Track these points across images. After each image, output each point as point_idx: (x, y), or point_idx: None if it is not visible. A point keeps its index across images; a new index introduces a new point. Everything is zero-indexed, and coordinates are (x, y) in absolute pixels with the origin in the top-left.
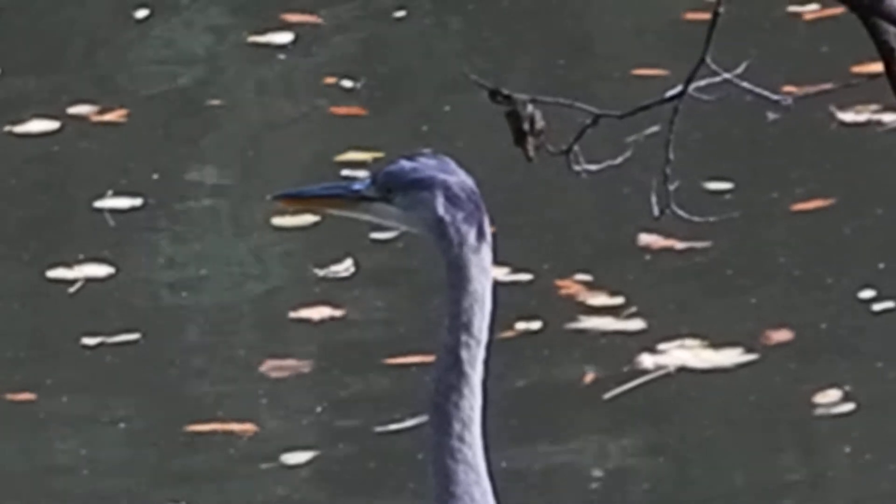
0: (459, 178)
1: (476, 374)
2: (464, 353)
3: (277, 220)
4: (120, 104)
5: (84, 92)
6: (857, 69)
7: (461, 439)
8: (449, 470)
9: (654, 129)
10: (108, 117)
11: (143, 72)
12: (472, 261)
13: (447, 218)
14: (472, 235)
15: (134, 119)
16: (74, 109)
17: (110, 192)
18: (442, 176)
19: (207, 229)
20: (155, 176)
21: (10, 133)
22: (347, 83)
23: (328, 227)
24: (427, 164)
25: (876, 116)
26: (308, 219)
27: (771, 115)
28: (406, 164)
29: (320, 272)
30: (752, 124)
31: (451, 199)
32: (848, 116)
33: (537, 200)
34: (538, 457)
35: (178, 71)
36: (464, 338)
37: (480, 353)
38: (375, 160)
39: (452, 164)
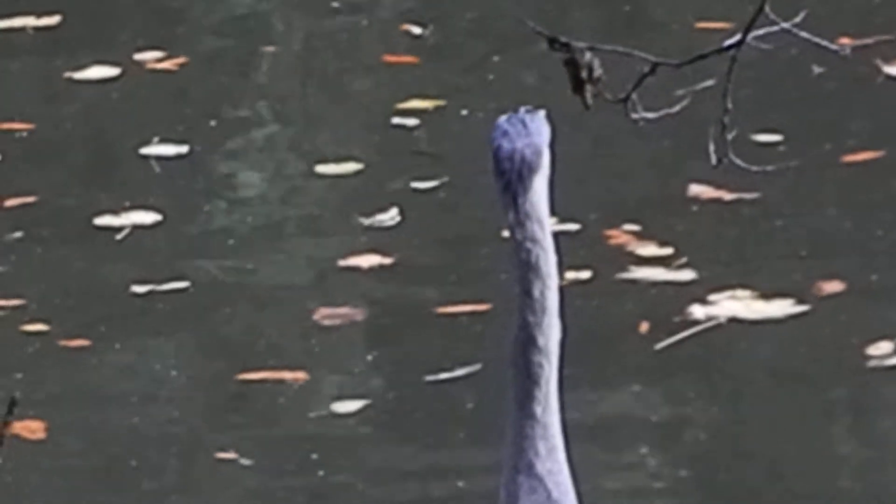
0: (500, 144)
1: (542, 336)
2: (529, 317)
3: (321, 168)
4: (179, 51)
5: (145, 39)
6: None
7: (530, 395)
8: (517, 423)
9: (710, 82)
10: (166, 65)
11: (204, 21)
12: (516, 230)
13: (496, 189)
14: (506, 204)
15: (190, 67)
16: (135, 56)
17: (156, 139)
18: (493, 144)
19: (254, 178)
20: (205, 123)
21: (70, 79)
22: (416, 30)
23: (370, 176)
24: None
25: None
26: (351, 167)
27: (817, 69)
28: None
29: (366, 221)
30: (799, 78)
31: (494, 171)
32: (894, 70)
33: (584, 150)
34: (590, 405)
35: (238, 17)
36: (526, 301)
37: (547, 317)
38: (437, 108)
39: (500, 129)
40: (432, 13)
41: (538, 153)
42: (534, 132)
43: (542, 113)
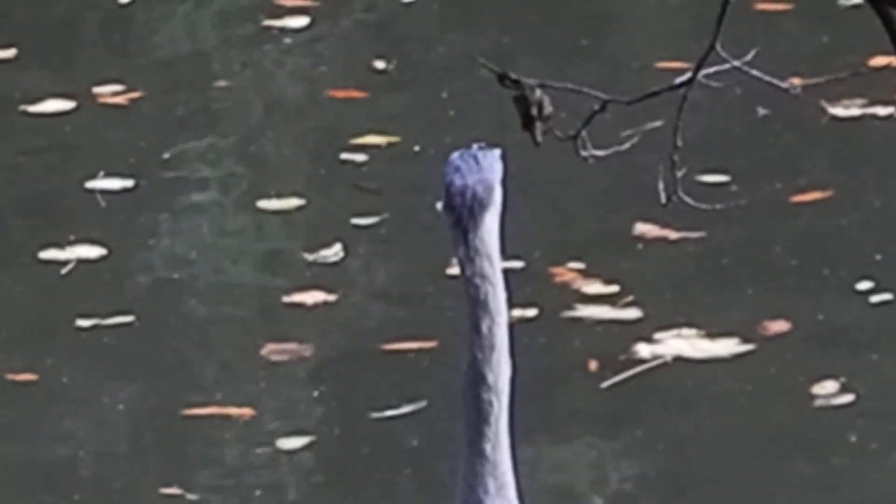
0: (451, 181)
1: (492, 373)
2: (478, 353)
3: (265, 204)
4: (135, 85)
5: (102, 72)
6: (853, 61)
7: (479, 432)
8: (466, 460)
9: (658, 123)
10: (119, 99)
11: (159, 54)
12: (465, 266)
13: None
14: (456, 241)
15: (144, 101)
16: (93, 90)
17: (102, 173)
18: (445, 180)
19: (199, 213)
20: (153, 158)
21: (25, 112)
22: (380, 64)
23: (314, 211)
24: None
25: (870, 110)
26: (294, 202)
27: (762, 110)
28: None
29: (310, 257)
30: (745, 119)
31: (445, 207)
32: (838, 110)
33: (529, 187)
34: (537, 444)
35: (193, 52)
36: (475, 340)
37: (496, 354)
38: (389, 144)
39: (452, 164)
40: (390, 49)
41: (489, 189)
42: (486, 169)
43: (495, 150)
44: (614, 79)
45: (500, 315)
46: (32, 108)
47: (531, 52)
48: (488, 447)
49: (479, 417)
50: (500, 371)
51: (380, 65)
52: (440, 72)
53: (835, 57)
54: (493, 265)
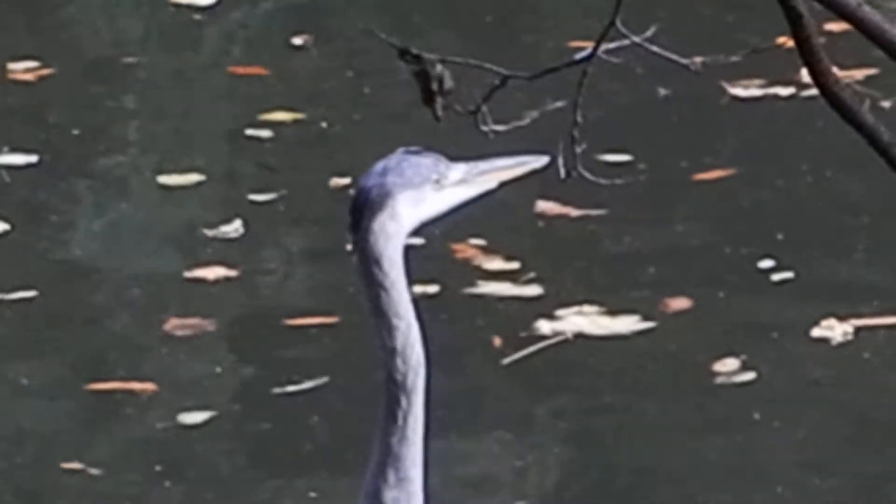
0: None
1: (402, 372)
2: (387, 354)
3: (166, 180)
4: (48, 62)
5: (18, 48)
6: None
7: (386, 427)
8: (376, 447)
9: (560, 103)
10: (30, 76)
11: (71, 32)
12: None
13: None
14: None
15: (55, 78)
16: (8, 65)
17: (6, 149)
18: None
19: (102, 189)
20: (59, 134)
21: None
22: (297, 40)
23: (214, 188)
24: None
25: (771, 90)
26: (194, 178)
27: (662, 91)
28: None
29: (210, 232)
30: (647, 99)
31: None
32: (738, 91)
33: None
34: (438, 420)
35: (104, 29)
36: (384, 341)
37: (404, 355)
38: (296, 120)
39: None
40: (308, 26)
41: (384, 195)
42: (393, 173)
43: (428, 156)
44: (527, 57)
45: (396, 318)
46: None
47: (445, 29)
48: (394, 441)
49: (387, 412)
50: (406, 370)
51: (297, 41)
52: (356, 50)
53: (738, 37)
54: (382, 269)
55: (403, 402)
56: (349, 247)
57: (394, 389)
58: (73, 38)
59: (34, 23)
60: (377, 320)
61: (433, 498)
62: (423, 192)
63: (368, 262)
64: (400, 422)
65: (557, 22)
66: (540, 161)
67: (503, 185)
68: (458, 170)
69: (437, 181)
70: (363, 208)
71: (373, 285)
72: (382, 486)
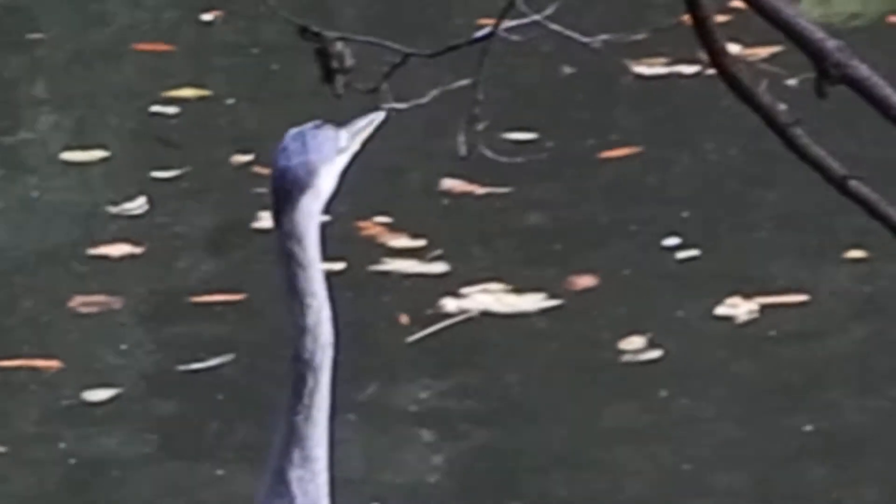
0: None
1: (310, 350)
2: (296, 331)
3: (68, 156)
4: None
5: None
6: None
7: (291, 405)
8: (280, 430)
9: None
10: None
11: None
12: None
13: None
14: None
15: None
16: None
17: None
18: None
19: (6, 164)
20: None
21: None
22: (207, 17)
23: (118, 164)
24: None
25: (675, 68)
26: (97, 154)
27: (567, 69)
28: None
29: (114, 209)
30: (551, 78)
31: None
32: (642, 69)
33: None
34: (344, 397)
35: (7, 4)
36: (293, 318)
37: (311, 334)
38: (201, 98)
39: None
40: (216, 1)
41: (311, 173)
42: (312, 150)
43: (329, 129)
44: (436, 35)
45: (313, 296)
46: None
47: (352, 7)
48: (299, 419)
49: (293, 391)
50: (314, 349)
51: (206, 17)
52: (264, 27)
53: (644, 15)
54: (305, 248)
55: (310, 380)
56: (266, 225)
57: (301, 368)
58: None
59: None
60: (291, 298)
61: (335, 476)
62: (334, 165)
63: (291, 240)
64: (306, 401)
65: (468, 0)
66: (380, 116)
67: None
68: (344, 137)
69: (340, 152)
70: (291, 188)
71: (291, 264)
72: (287, 466)
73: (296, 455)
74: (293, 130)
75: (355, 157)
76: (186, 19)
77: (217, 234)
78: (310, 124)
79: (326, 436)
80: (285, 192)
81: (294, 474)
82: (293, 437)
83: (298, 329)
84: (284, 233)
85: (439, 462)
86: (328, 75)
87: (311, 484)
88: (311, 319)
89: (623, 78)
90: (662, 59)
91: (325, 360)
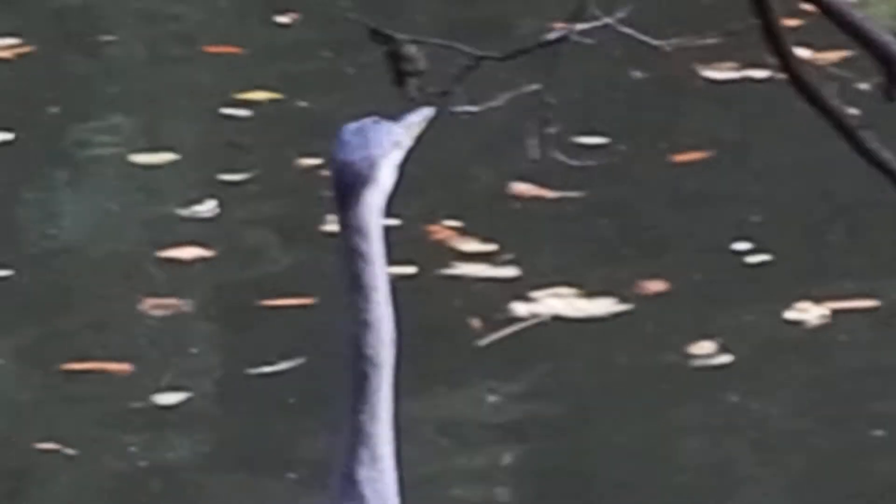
0: (335, 152)
1: (373, 347)
2: (358, 328)
3: (138, 158)
4: (25, 39)
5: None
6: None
7: (355, 405)
8: (346, 427)
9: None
10: (4, 53)
11: (49, 8)
12: (343, 240)
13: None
14: (338, 212)
15: (28, 55)
16: None
17: None
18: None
19: (78, 167)
20: (34, 112)
21: None
22: (283, 18)
23: (188, 166)
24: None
25: (746, 73)
26: (166, 157)
27: (637, 73)
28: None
29: (184, 212)
30: (620, 81)
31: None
32: (712, 73)
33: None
34: (415, 402)
35: (81, 5)
36: (356, 313)
37: (374, 330)
38: (272, 100)
39: (341, 135)
40: (292, 3)
41: (372, 166)
42: (373, 144)
43: (387, 124)
44: (508, 38)
45: (377, 291)
46: None
47: (424, 10)
48: (364, 419)
49: (356, 390)
50: (378, 346)
51: (282, 19)
52: (339, 29)
53: (714, 19)
54: (370, 242)
55: (374, 378)
56: (339, 225)
57: (364, 365)
58: (52, 15)
59: (12, 0)
60: (355, 294)
61: (407, 477)
62: (392, 159)
63: (356, 235)
64: (370, 399)
65: (539, 2)
66: (430, 111)
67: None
68: (399, 132)
69: (396, 146)
70: (354, 182)
71: (356, 259)
72: (356, 466)
73: (364, 455)
74: (351, 126)
75: (410, 152)
76: (261, 21)
77: (287, 236)
78: (367, 119)
79: (392, 434)
80: (348, 186)
81: (363, 475)
82: (359, 437)
83: (361, 325)
84: (348, 227)
85: (509, 467)
86: (400, 78)
87: (380, 483)
88: (374, 315)
89: (693, 82)
90: (733, 64)
91: (389, 356)
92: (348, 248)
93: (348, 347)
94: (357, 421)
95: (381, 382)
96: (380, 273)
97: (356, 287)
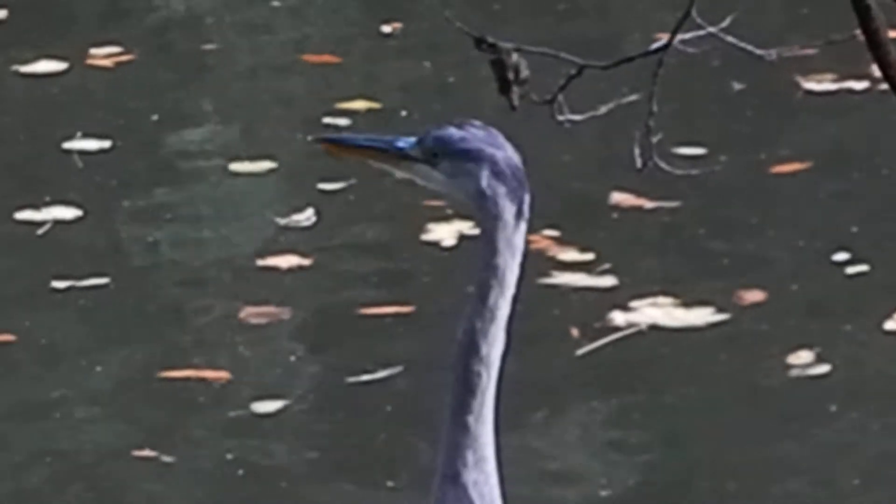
0: (506, 154)
1: (486, 345)
2: (477, 324)
3: (237, 167)
4: (126, 48)
5: (95, 35)
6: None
7: (463, 404)
8: (448, 430)
9: (635, 96)
10: (108, 62)
11: (150, 18)
12: (502, 237)
13: (489, 192)
14: (509, 212)
15: (134, 64)
16: (82, 52)
17: (80, 134)
18: (490, 149)
19: (175, 175)
20: (134, 119)
21: (16, 73)
22: (387, 28)
23: (286, 175)
24: (476, 136)
25: (844, 84)
26: (265, 165)
27: (737, 85)
28: (455, 132)
29: (282, 221)
30: (720, 93)
31: (497, 173)
32: (811, 84)
33: None
34: (513, 409)
35: (183, 16)
36: (479, 308)
37: (495, 327)
38: (370, 109)
39: (501, 138)
40: (395, 14)
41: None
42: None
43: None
44: (609, 48)
45: (510, 289)
46: (24, 69)
47: (526, 18)
48: (471, 419)
49: (465, 388)
50: (495, 344)
51: (386, 29)
52: (442, 38)
53: (811, 31)
54: (524, 234)
55: (484, 377)
56: (512, 217)
57: (476, 364)
58: (153, 25)
59: (117, 9)
60: (491, 287)
61: (508, 488)
62: None
63: (514, 230)
64: (478, 398)
65: (642, 13)
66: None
67: None
68: None
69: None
70: (522, 177)
71: (507, 251)
72: (462, 469)
73: (469, 457)
74: (474, 125)
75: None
76: (365, 31)
77: (385, 245)
78: (475, 123)
79: (493, 436)
80: (521, 182)
81: (469, 478)
82: (466, 439)
83: (486, 321)
84: (523, 218)
85: (610, 474)
86: (504, 86)
87: (486, 486)
88: (502, 313)
89: (792, 93)
90: (831, 75)
91: (499, 357)
92: (507, 240)
93: (461, 345)
94: (464, 421)
95: (491, 382)
96: (516, 273)
97: (496, 282)
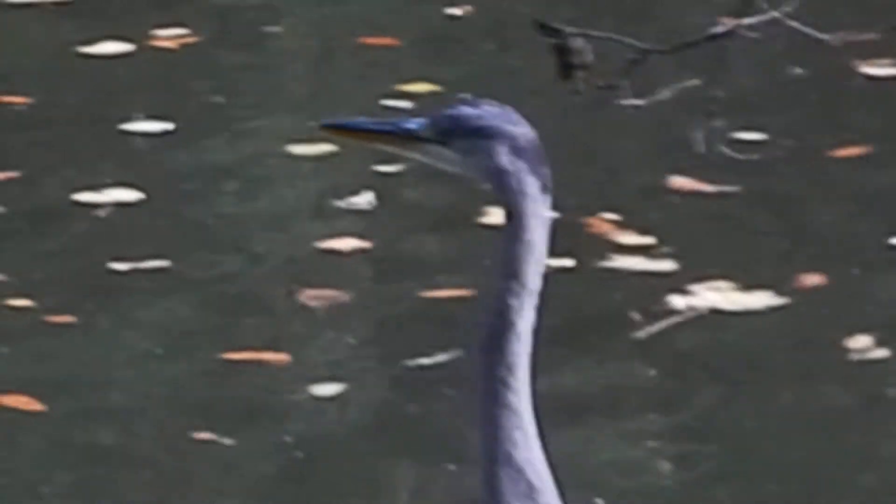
0: (523, 130)
1: (523, 321)
2: (512, 301)
3: (296, 150)
4: (191, 30)
5: (160, 17)
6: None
7: (505, 384)
8: (492, 414)
9: (696, 81)
10: (172, 43)
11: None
12: (530, 210)
13: (510, 168)
14: (534, 186)
15: (198, 46)
16: (153, 32)
17: (141, 116)
18: (508, 126)
19: (235, 158)
20: (197, 102)
21: (81, 54)
22: (457, 11)
23: (345, 158)
24: (491, 113)
25: None
26: (324, 148)
27: (797, 70)
28: (470, 110)
29: (342, 203)
30: (780, 78)
31: (516, 150)
32: (870, 69)
33: (564, 138)
34: (572, 392)
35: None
36: (513, 285)
37: (530, 302)
38: (431, 92)
39: (516, 115)
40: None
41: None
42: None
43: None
44: (671, 33)
45: (542, 263)
46: (89, 50)
47: (589, 3)
48: (514, 398)
49: (505, 368)
50: (530, 319)
51: (455, 11)
52: (509, 20)
53: (872, 17)
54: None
55: (523, 355)
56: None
57: (515, 343)
58: (218, 7)
59: None
60: (528, 264)
61: (568, 475)
62: None
63: (545, 203)
64: (519, 377)
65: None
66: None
67: None
68: None
69: None
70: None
71: (543, 225)
72: (513, 450)
73: (518, 436)
74: (504, 107)
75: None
76: (433, 13)
77: (444, 228)
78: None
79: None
80: (541, 159)
81: (522, 457)
82: (511, 420)
83: (525, 298)
84: (550, 195)
85: (669, 459)
86: (567, 71)
87: (538, 463)
88: (538, 289)
89: (852, 78)
90: (891, 60)
91: (531, 334)
92: (538, 214)
93: (494, 328)
94: (507, 401)
95: (527, 359)
96: (536, 251)
97: (532, 257)
